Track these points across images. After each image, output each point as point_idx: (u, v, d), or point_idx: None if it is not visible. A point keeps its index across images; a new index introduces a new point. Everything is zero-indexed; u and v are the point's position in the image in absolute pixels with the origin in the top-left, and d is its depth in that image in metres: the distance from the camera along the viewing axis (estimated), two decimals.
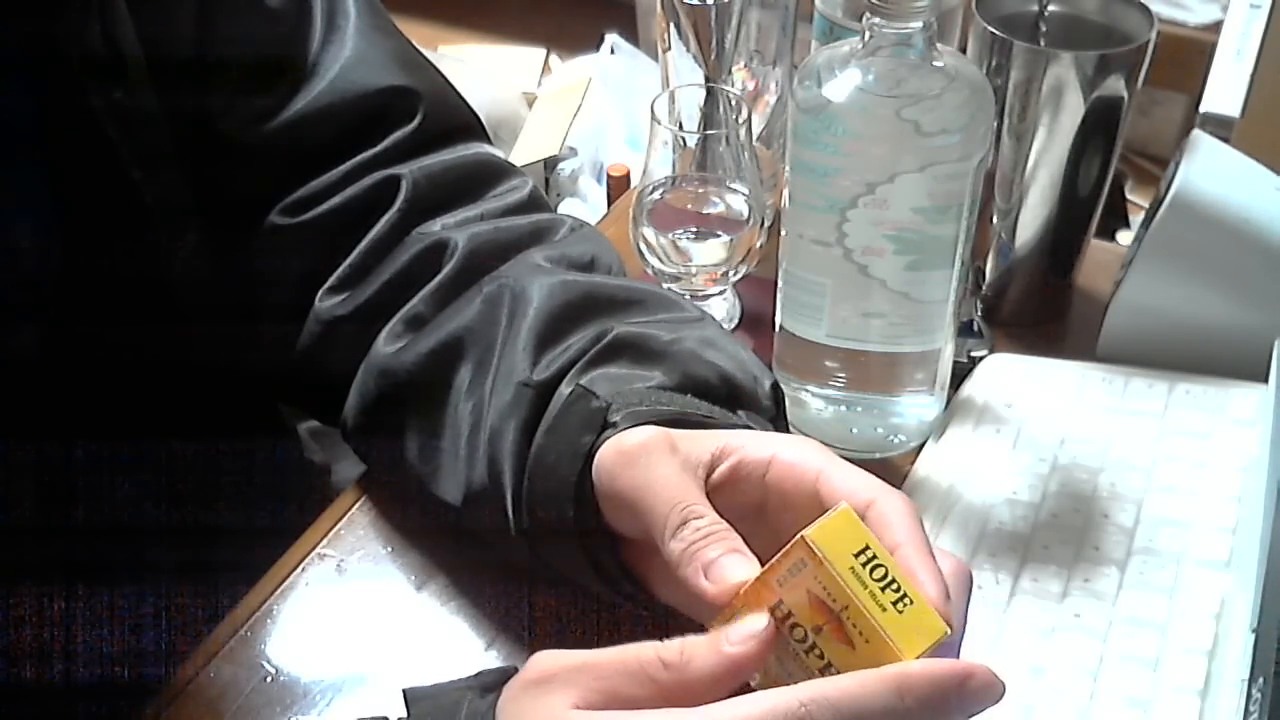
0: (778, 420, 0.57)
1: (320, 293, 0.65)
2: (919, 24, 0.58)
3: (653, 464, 0.49)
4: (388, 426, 0.62)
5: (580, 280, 0.61)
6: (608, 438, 0.52)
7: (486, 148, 0.70)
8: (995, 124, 0.69)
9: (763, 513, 0.48)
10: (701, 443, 0.50)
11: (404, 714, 0.45)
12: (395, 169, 0.66)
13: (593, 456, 0.52)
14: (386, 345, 0.62)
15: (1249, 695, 0.50)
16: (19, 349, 0.57)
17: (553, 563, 0.56)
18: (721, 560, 0.44)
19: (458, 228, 0.64)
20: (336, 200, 0.65)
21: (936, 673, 0.39)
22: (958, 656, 0.43)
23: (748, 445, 0.49)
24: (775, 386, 0.57)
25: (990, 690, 0.40)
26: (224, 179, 0.66)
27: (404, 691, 0.46)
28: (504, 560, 0.59)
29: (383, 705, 0.47)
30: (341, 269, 0.65)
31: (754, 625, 0.41)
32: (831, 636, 0.40)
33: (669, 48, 0.76)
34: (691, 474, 0.48)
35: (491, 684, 0.45)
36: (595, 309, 0.59)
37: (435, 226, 0.65)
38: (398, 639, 0.61)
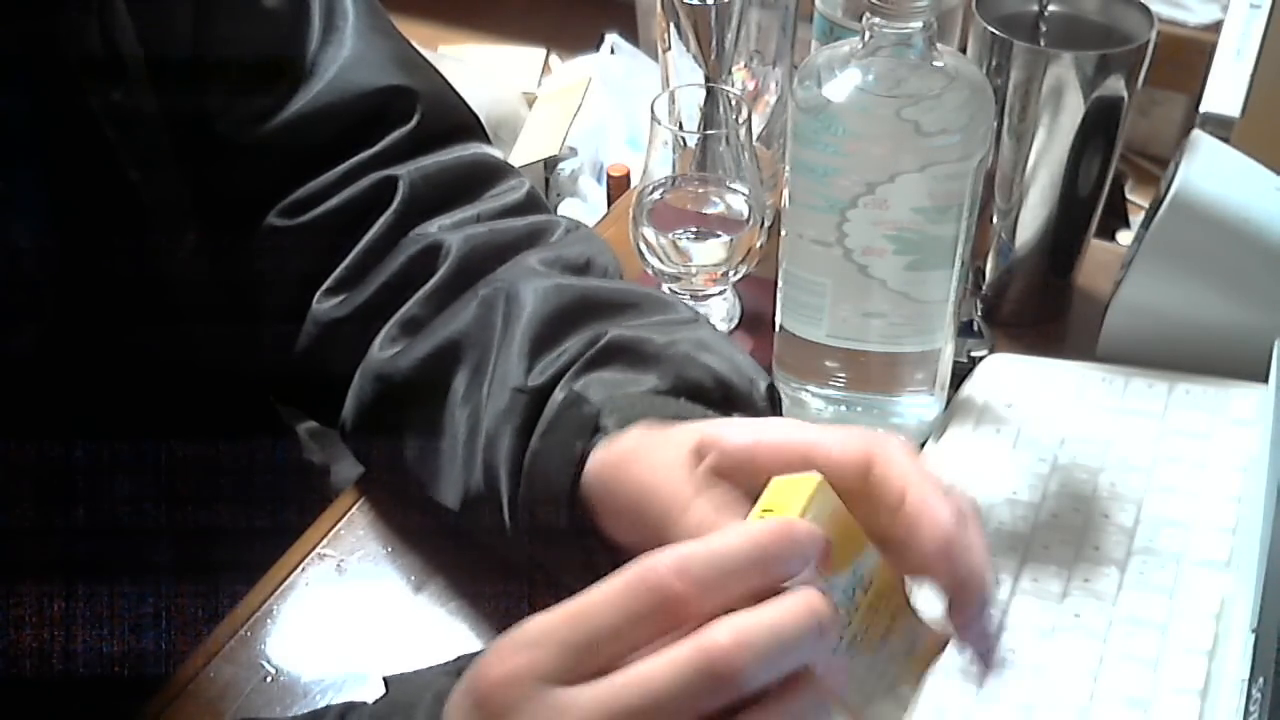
0: None
1: (318, 294, 0.65)
2: (919, 24, 0.58)
3: (651, 465, 0.48)
4: (386, 430, 0.62)
5: (574, 284, 0.61)
6: (598, 442, 0.52)
7: (484, 148, 0.70)
8: (995, 124, 0.69)
9: None
10: (684, 435, 0.49)
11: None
12: (392, 169, 0.66)
13: (585, 461, 0.52)
14: (382, 350, 0.62)
15: (1249, 695, 0.50)
16: (18, 349, 0.57)
17: (550, 565, 0.56)
18: None
19: (453, 229, 0.64)
20: (334, 201, 0.65)
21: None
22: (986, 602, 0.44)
23: (726, 435, 0.48)
24: (771, 388, 0.57)
25: (787, 536, 0.38)
26: (222, 179, 0.66)
27: (384, 678, 0.46)
28: (503, 560, 0.59)
29: None
30: (339, 270, 0.65)
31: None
32: None
33: (669, 48, 0.76)
34: (689, 471, 0.48)
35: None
36: (589, 313, 0.59)
37: (432, 228, 0.65)
38: (397, 639, 0.61)
